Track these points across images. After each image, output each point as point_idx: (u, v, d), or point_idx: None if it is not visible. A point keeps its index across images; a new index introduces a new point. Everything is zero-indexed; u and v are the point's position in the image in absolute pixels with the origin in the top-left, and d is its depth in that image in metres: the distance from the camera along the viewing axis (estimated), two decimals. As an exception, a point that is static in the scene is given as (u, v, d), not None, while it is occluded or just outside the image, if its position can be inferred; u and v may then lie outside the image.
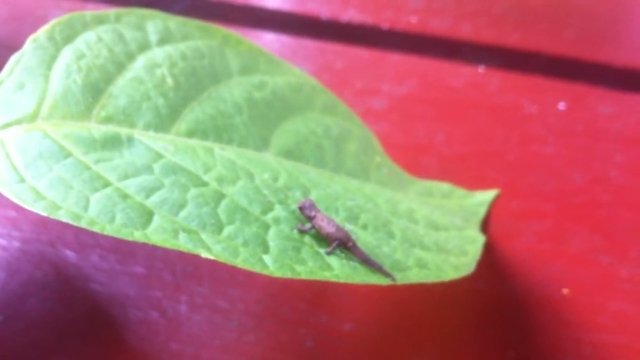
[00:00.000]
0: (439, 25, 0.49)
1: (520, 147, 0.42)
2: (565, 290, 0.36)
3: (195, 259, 0.26)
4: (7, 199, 0.37)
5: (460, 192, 0.38)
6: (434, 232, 0.31)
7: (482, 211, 0.37)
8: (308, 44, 0.48)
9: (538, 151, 0.42)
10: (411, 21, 0.49)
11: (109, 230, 0.23)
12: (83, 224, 0.23)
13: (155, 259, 0.36)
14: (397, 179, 0.36)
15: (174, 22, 0.32)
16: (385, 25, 0.49)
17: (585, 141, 0.43)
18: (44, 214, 0.23)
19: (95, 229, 0.23)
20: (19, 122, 0.26)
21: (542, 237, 0.38)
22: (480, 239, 0.33)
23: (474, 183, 0.39)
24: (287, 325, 0.34)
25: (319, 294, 0.35)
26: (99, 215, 0.24)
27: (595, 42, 0.49)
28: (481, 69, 0.46)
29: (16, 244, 0.36)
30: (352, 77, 0.46)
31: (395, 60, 0.47)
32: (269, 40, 0.49)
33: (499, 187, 0.39)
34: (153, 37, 0.30)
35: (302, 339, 0.34)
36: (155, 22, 0.31)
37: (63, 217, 0.23)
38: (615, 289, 0.36)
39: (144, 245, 0.34)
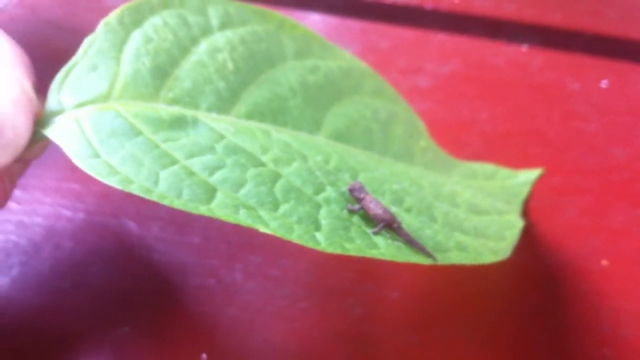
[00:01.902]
0: (482, 5, 0.50)
1: (562, 125, 0.43)
2: (604, 262, 0.37)
3: (247, 230, 0.27)
4: (70, 173, 0.40)
5: (503, 172, 0.39)
6: (475, 216, 0.32)
7: (524, 191, 0.38)
8: (353, 25, 0.49)
9: (580, 128, 0.43)
10: (454, 1, 0.50)
11: (177, 204, 0.25)
12: (154, 198, 0.25)
13: (211, 230, 0.38)
14: (442, 162, 0.37)
15: (233, 6, 0.33)
16: (428, 5, 0.50)
17: (627, 118, 0.43)
18: (119, 187, 0.25)
19: (165, 202, 0.25)
20: (92, 101, 0.27)
21: (583, 211, 0.39)
22: (519, 224, 0.34)
23: (517, 160, 0.40)
24: (336, 294, 0.36)
25: (365, 265, 0.37)
26: (168, 190, 0.25)
27: (637, 20, 0.49)
28: (524, 48, 0.47)
29: (81, 215, 0.38)
30: (397, 56, 0.47)
31: (439, 39, 0.48)
32: (315, 21, 0.50)
33: (542, 163, 0.40)
34: (214, 22, 0.31)
35: (351, 306, 0.35)
36: (216, 6, 0.32)
37: (135, 190, 0.25)
38: None
39: (200, 217, 0.36)
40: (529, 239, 0.37)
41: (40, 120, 0.27)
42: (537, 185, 0.38)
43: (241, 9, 0.33)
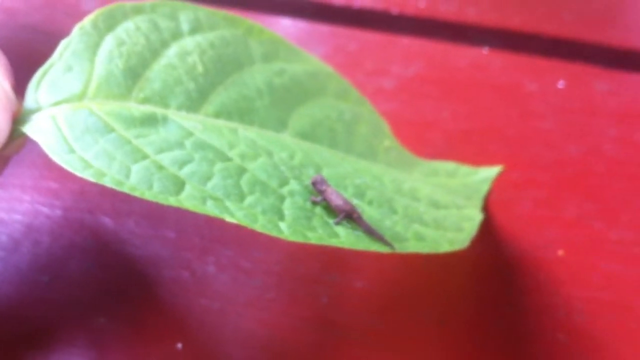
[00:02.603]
0: (446, 10, 0.52)
1: (520, 123, 0.45)
2: (560, 252, 0.39)
3: (220, 224, 0.29)
4: (48, 172, 0.41)
5: (464, 169, 0.41)
6: (434, 210, 0.34)
7: (484, 188, 0.39)
8: (322, 29, 0.51)
9: (537, 126, 0.45)
10: (420, 6, 0.52)
11: (148, 196, 0.26)
12: (126, 189, 0.26)
13: (185, 224, 0.39)
14: (404, 160, 0.39)
15: (203, 12, 0.34)
16: (395, 10, 0.51)
17: (582, 117, 0.45)
18: (92, 180, 0.26)
19: (136, 194, 0.26)
20: (68, 100, 0.29)
21: (539, 204, 0.41)
22: (478, 217, 0.36)
23: (476, 157, 0.42)
24: (304, 283, 0.37)
25: (332, 256, 0.38)
26: (139, 182, 0.27)
27: (593, 23, 0.51)
28: (485, 51, 0.49)
29: (58, 212, 0.39)
30: (364, 59, 0.49)
31: (405, 43, 0.50)
32: (286, 25, 0.52)
33: (500, 159, 0.42)
34: (185, 27, 0.33)
35: (318, 295, 0.37)
36: (186, 12, 0.33)
37: (108, 182, 0.26)
38: (605, 250, 0.39)
39: (175, 211, 0.38)
40: (487, 230, 0.39)
41: (18, 119, 0.28)
42: (496, 180, 0.40)
43: (211, 15, 0.35)
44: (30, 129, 0.28)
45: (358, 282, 0.37)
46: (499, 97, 0.46)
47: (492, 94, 0.47)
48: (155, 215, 0.39)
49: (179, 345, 0.35)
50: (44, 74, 0.29)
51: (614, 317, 0.37)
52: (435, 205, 0.34)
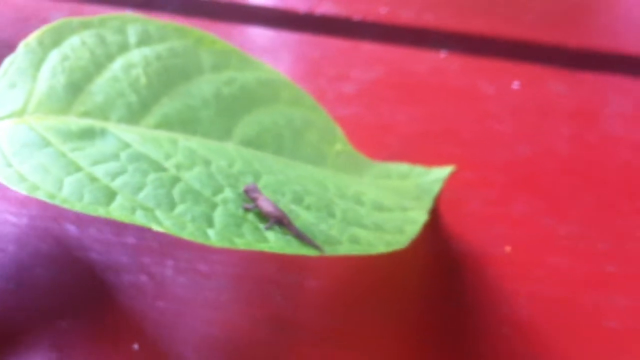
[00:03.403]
0: (407, 15, 0.53)
1: (476, 124, 0.46)
2: (507, 248, 0.40)
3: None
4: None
5: (417, 170, 0.41)
6: (377, 213, 0.34)
7: (436, 188, 0.40)
8: (288, 37, 0.53)
9: (492, 127, 0.46)
10: (381, 12, 0.53)
11: (78, 207, 0.27)
12: (57, 202, 0.27)
13: (145, 230, 0.40)
14: (356, 164, 0.39)
15: (154, 25, 0.35)
16: (357, 16, 0.53)
17: (536, 117, 0.46)
18: (26, 193, 0.27)
19: (66, 205, 0.27)
20: (9, 116, 0.30)
21: (488, 202, 0.42)
22: (421, 219, 0.36)
23: (432, 158, 0.43)
24: (259, 284, 0.38)
25: (289, 259, 0.39)
26: (71, 194, 0.27)
27: (552, 25, 0.52)
28: (443, 54, 0.50)
29: (25, 220, 0.41)
30: (326, 65, 0.50)
31: (366, 48, 0.51)
32: (254, 33, 0.54)
33: (455, 160, 0.43)
34: (132, 40, 0.34)
35: (272, 294, 0.38)
36: (135, 25, 0.34)
37: (41, 196, 0.27)
38: (552, 246, 0.40)
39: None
40: (437, 229, 0.40)
41: None
42: (448, 180, 0.41)
43: (161, 28, 0.35)
44: None
45: (311, 281, 0.39)
46: (456, 100, 0.48)
47: (449, 97, 0.48)
48: (118, 222, 0.40)
49: (136, 346, 0.36)
50: None
51: (560, 311, 0.38)
52: (379, 208, 0.35)
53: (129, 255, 0.39)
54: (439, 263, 0.39)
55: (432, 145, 0.45)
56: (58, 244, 0.40)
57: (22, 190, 0.27)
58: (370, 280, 0.39)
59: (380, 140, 0.45)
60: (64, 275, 0.39)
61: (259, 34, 0.53)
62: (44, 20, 0.50)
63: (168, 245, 0.40)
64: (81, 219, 0.41)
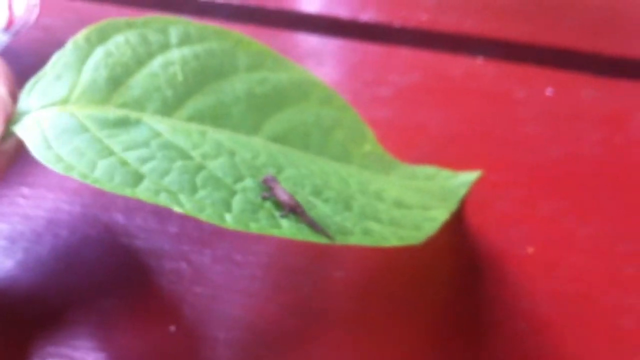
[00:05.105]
0: (447, 22, 0.54)
1: (505, 128, 0.47)
2: (530, 249, 0.41)
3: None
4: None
5: (444, 173, 0.42)
6: (396, 209, 0.35)
7: (462, 191, 0.40)
8: (330, 43, 0.55)
9: (521, 131, 0.46)
10: (421, 19, 0.55)
11: (108, 187, 0.29)
12: (89, 181, 0.29)
13: (186, 220, 0.43)
14: (383, 164, 0.40)
15: (195, 27, 0.36)
16: (397, 22, 0.54)
17: (566, 122, 0.47)
18: (62, 172, 0.29)
19: (97, 185, 0.29)
20: (53, 104, 0.32)
21: (514, 204, 0.42)
22: (441, 218, 0.36)
23: (460, 159, 0.44)
24: (290, 274, 0.40)
25: (317, 250, 0.41)
26: (102, 175, 0.29)
27: (588, 32, 0.52)
28: (480, 60, 0.52)
29: (78, 208, 0.44)
30: (364, 69, 0.51)
31: (404, 53, 0.52)
32: (299, 39, 0.56)
33: (482, 162, 0.44)
34: (174, 40, 0.35)
35: (302, 283, 0.40)
36: (177, 27, 0.36)
37: (75, 175, 0.29)
38: (574, 246, 0.40)
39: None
40: (462, 228, 0.42)
41: (12, 120, 0.32)
42: (475, 182, 0.42)
43: (202, 29, 0.37)
44: (19, 129, 0.31)
45: (340, 272, 0.40)
46: (488, 104, 0.49)
47: (481, 101, 0.49)
48: (162, 212, 0.43)
49: (172, 328, 0.38)
50: (37, 81, 0.33)
51: (578, 309, 0.38)
52: (399, 205, 0.36)
53: (170, 243, 0.42)
54: (462, 260, 0.41)
55: (462, 148, 0.46)
56: (106, 231, 0.43)
57: (58, 169, 0.29)
58: (392, 274, 0.40)
59: (412, 142, 0.46)
60: (109, 260, 0.42)
61: (303, 40, 0.55)
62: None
63: (207, 235, 0.42)
64: (129, 209, 0.43)
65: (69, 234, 0.42)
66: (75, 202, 0.44)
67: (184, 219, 0.43)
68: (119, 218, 0.43)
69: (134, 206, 0.43)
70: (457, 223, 0.38)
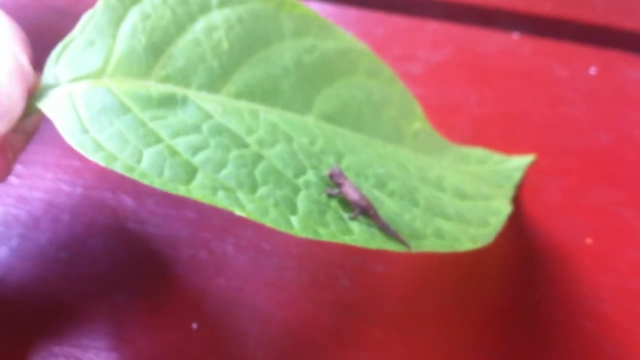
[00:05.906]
0: (478, -7, 0.51)
1: (549, 109, 0.43)
2: (588, 240, 0.37)
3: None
4: (71, 150, 0.40)
5: (496, 157, 0.39)
6: (459, 201, 0.32)
7: (517, 176, 0.37)
8: (349, 12, 0.50)
9: (566, 112, 0.43)
10: (447, -11, 0.51)
11: (157, 184, 0.25)
12: (135, 176, 0.25)
13: (205, 204, 0.38)
14: (434, 145, 0.37)
15: None
16: (425, -7, 0.51)
17: (612, 104, 0.44)
18: (102, 164, 0.25)
19: (145, 181, 0.25)
20: (87, 77, 0.27)
21: (567, 192, 0.39)
22: (506, 210, 0.34)
23: (503, 142, 0.41)
24: (324, 266, 0.36)
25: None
26: (150, 168, 0.25)
27: (625, 10, 0.50)
28: (515, 36, 0.48)
29: (79, 190, 0.39)
30: (391, 43, 0.47)
31: (433, 28, 0.49)
32: (314, 8, 0.52)
33: (527, 145, 0.40)
34: (214, 0, 0.31)
35: (338, 278, 0.36)
36: None
37: (118, 168, 0.25)
38: (634, 239, 0.37)
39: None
40: (517, 217, 0.38)
41: (35, 93, 0.27)
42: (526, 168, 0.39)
43: None
44: (45, 105, 0.26)
45: (379, 266, 0.36)
46: (528, 83, 0.45)
47: (520, 80, 0.45)
48: (176, 196, 0.39)
49: (194, 325, 0.34)
50: (64, 48, 0.27)
51: (640, 305, 0.35)
52: (461, 196, 0.33)
53: (188, 230, 0.37)
54: (515, 252, 0.37)
55: (505, 129, 0.42)
56: (114, 216, 0.38)
57: (98, 160, 0.25)
58: (440, 266, 0.37)
59: (450, 122, 0.42)
60: (119, 248, 0.37)
61: (319, 9, 0.51)
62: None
63: (229, 220, 0.38)
64: (138, 191, 0.39)
65: (71, 219, 0.38)
66: (76, 182, 0.39)
67: (202, 203, 0.38)
68: (128, 201, 0.38)
69: (144, 188, 0.39)
70: (513, 212, 0.34)
